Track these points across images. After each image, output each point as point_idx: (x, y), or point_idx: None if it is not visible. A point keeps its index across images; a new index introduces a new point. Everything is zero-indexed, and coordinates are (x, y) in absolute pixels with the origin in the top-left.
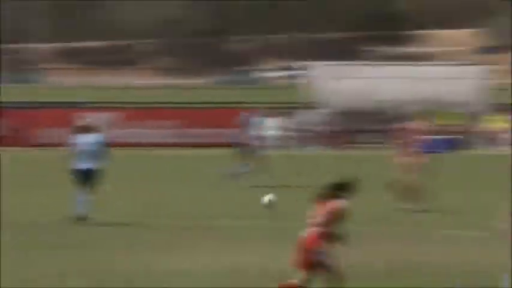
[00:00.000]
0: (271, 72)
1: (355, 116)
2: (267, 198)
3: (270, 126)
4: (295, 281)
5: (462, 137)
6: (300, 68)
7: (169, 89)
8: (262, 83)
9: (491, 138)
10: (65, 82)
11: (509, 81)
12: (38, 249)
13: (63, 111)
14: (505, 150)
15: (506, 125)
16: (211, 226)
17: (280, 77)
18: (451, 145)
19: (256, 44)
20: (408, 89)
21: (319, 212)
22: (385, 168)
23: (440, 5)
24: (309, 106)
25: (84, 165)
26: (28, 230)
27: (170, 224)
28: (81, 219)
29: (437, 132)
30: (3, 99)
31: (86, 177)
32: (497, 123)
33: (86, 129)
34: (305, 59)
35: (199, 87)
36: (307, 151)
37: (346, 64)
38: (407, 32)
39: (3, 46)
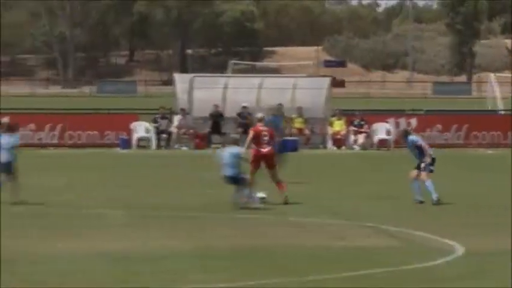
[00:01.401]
0: (146, 83)
1: (218, 120)
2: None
3: (146, 129)
4: None
5: (310, 138)
6: (174, 79)
7: (54, 97)
8: (141, 92)
9: (335, 139)
10: None
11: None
12: None
13: None
14: (341, 149)
15: (344, 128)
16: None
17: (156, 87)
18: (297, 145)
19: (134, 57)
20: (263, 98)
21: None
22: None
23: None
24: (179, 112)
25: None
26: None
27: None
28: None
29: (289, 135)
30: None
31: None
32: (337, 127)
33: None
34: (179, 71)
35: (83, 95)
36: (171, 150)
37: (213, 76)
38: (266, 48)
39: None
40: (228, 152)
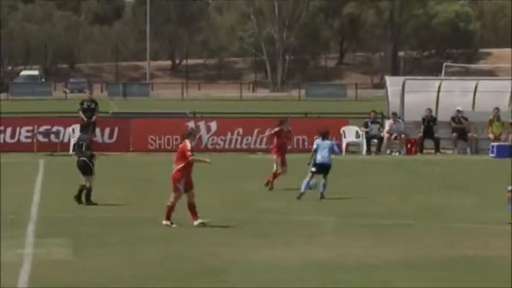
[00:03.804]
0: (357, 86)
1: (431, 124)
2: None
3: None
4: None
5: None
6: (385, 82)
7: (261, 101)
8: (351, 95)
9: None
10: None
11: None
12: None
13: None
14: None
15: None
16: None
17: (367, 90)
18: None
19: (344, 60)
20: (479, 101)
21: None
22: None
23: (505, 26)
24: (390, 116)
25: None
26: None
27: None
28: None
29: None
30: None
31: None
32: None
33: None
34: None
35: (292, 99)
36: None
37: (425, 79)
38: (482, 50)
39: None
40: None
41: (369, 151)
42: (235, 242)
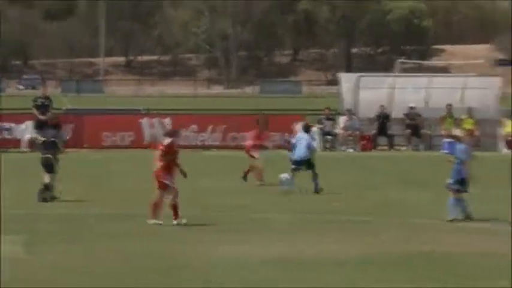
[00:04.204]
0: (311, 83)
1: (384, 121)
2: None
3: None
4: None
5: (480, 140)
6: (339, 79)
7: (216, 98)
8: (305, 92)
9: (507, 141)
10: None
11: None
12: None
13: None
14: None
15: None
16: None
17: (321, 87)
18: None
19: (298, 57)
20: (432, 98)
21: None
22: None
23: (458, 23)
24: (345, 113)
25: None
26: None
27: None
28: None
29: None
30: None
31: None
32: (509, 128)
33: None
34: (344, 71)
35: (246, 96)
36: None
37: (379, 75)
38: (435, 47)
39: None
40: None
41: (324, 148)
42: (195, 239)
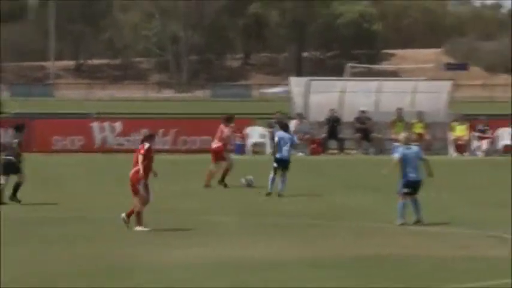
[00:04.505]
0: (262, 86)
1: (335, 125)
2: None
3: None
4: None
5: (431, 143)
6: (290, 83)
7: (166, 101)
8: (255, 96)
9: (456, 145)
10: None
11: None
12: None
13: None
14: None
15: (466, 133)
16: None
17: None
18: None
19: (249, 60)
20: (382, 102)
21: None
22: None
23: (408, 27)
24: (295, 116)
25: None
26: None
27: None
28: None
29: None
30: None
31: None
32: (459, 132)
33: None
34: (295, 75)
35: (197, 99)
36: None
37: (329, 79)
38: (385, 51)
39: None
40: None
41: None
42: (146, 242)
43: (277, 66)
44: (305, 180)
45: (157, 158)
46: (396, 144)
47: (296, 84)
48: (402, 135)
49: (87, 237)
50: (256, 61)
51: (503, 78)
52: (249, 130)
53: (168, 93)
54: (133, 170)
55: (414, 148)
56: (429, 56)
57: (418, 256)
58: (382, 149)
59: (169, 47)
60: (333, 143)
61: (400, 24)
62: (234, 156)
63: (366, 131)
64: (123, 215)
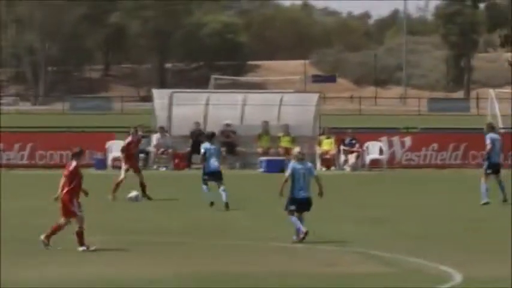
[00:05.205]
0: (123, 99)
1: (199, 139)
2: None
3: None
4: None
5: None
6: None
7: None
8: (116, 108)
9: (323, 159)
10: None
11: None
12: None
13: None
14: None
15: (334, 147)
16: None
17: (133, 103)
18: (284, 166)
19: (109, 72)
20: (248, 115)
21: None
22: None
23: (274, 38)
24: (157, 130)
25: None
26: None
27: None
28: None
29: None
30: None
31: None
32: (326, 146)
33: None
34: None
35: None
36: None
37: (193, 91)
38: (250, 62)
39: None
40: None
41: None
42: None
43: (139, 78)
44: (167, 196)
45: (13, 173)
46: (263, 158)
47: (159, 97)
48: (295, 150)
49: None
50: (117, 72)
51: (370, 90)
52: (109, 144)
53: (24, 106)
54: (64, 191)
55: (307, 164)
56: (296, 67)
57: (285, 273)
58: (247, 163)
59: (26, 58)
60: (197, 158)
61: (266, 35)
62: (94, 172)
63: (231, 144)
64: (42, 237)
